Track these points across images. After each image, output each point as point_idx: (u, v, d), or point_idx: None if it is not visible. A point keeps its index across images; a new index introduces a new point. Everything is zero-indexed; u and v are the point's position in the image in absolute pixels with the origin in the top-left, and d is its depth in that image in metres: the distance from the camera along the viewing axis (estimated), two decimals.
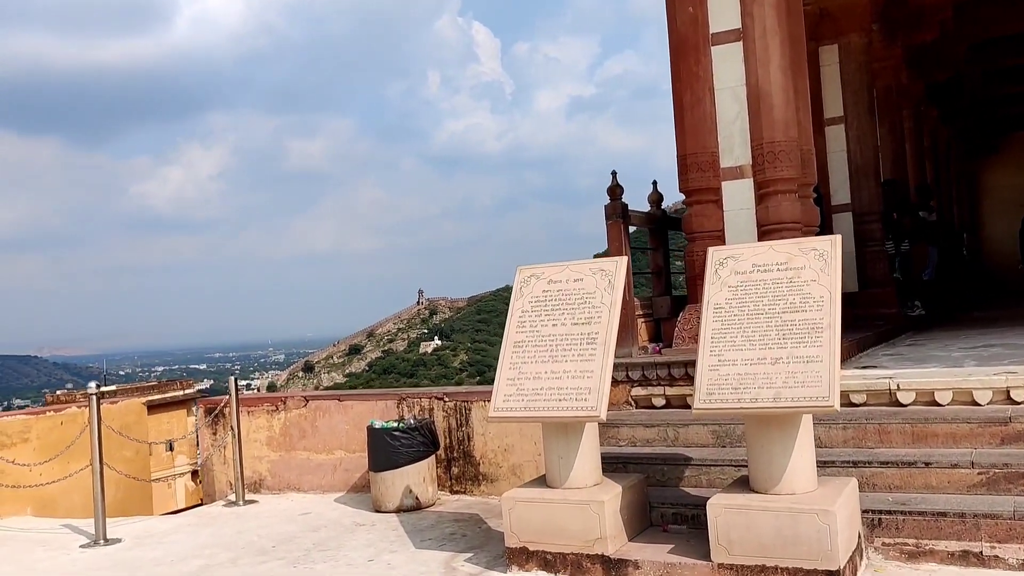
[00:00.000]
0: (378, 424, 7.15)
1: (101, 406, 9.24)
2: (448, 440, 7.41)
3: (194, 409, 36.03)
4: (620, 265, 5.65)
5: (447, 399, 7.40)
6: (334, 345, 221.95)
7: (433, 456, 7.14)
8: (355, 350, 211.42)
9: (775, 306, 4.89)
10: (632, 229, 7.69)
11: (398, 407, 7.59)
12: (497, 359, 5.75)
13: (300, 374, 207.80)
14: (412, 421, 7.16)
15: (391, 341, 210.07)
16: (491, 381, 5.69)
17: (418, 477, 6.99)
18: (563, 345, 5.42)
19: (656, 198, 8.26)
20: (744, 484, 4.85)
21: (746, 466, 4.97)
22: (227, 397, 8.07)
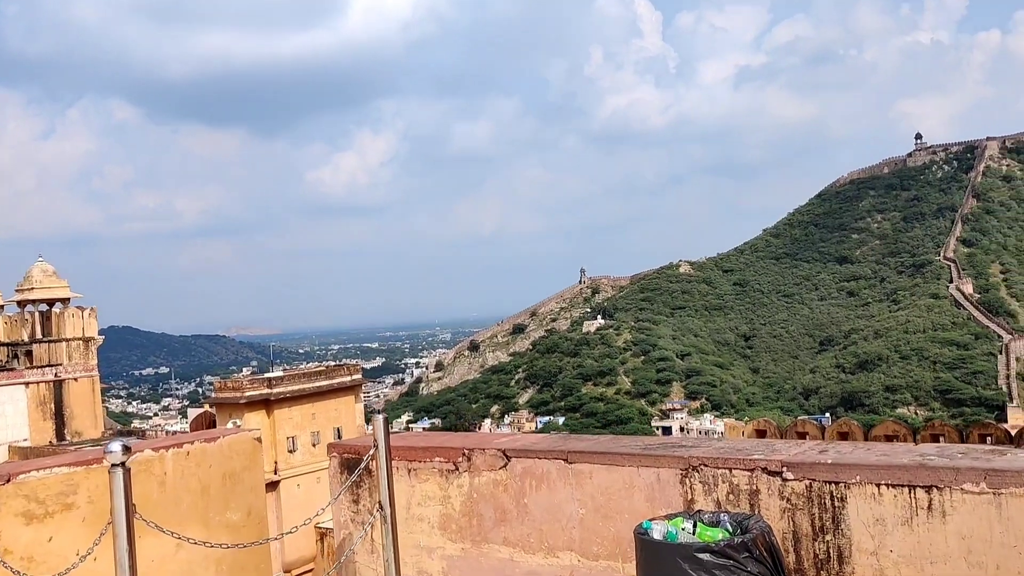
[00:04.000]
0: (658, 531, 3.53)
1: (192, 445, 6.22)
2: (794, 556, 3.71)
3: (361, 395, 33.29)
4: None
5: (789, 474, 3.69)
6: (498, 324, 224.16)
7: None
8: (518, 329, 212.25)
9: None
10: None
11: (682, 483, 3.95)
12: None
13: (466, 352, 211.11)
14: (727, 521, 3.50)
15: (554, 320, 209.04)
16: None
17: None
18: None
19: None
20: None
21: None
22: (371, 446, 4.70)
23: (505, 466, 4.51)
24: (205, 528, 5.99)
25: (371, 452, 4.65)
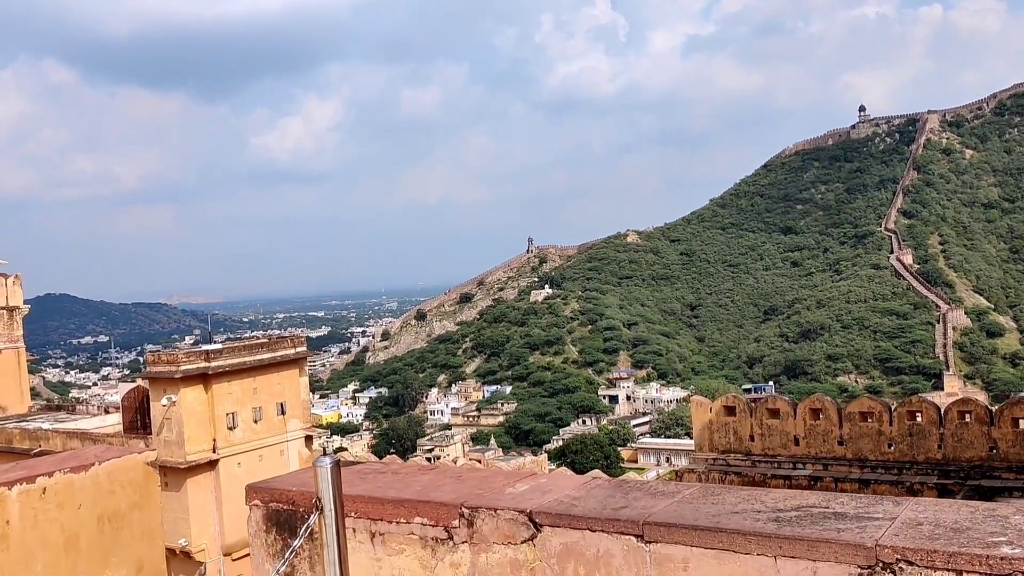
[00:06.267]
0: None
1: (49, 479, 4.35)
2: None
3: (305, 368, 30.45)
4: None
5: None
6: (445, 293, 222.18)
7: None
8: (466, 298, 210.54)
9: None
10: None
11: None
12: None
13: (413, 322, 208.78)
14: None
15: (501, 289, 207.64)
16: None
17: None
18: None
19: None
20: None
21: None
22: (314, 505, 2.94)
23: (532, 539, 2.77)
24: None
25: (314, 515, 2.87)
